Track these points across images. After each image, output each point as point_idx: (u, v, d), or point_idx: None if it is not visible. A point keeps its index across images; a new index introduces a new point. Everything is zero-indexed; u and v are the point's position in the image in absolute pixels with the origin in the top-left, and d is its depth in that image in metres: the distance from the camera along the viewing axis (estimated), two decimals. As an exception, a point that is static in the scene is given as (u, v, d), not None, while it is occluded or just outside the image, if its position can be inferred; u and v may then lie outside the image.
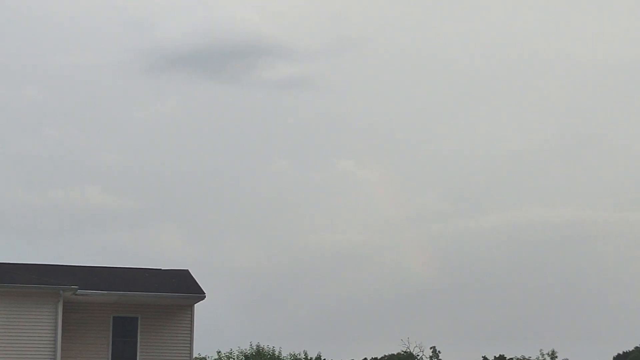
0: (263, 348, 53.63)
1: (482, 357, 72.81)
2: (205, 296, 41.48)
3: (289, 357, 55.54)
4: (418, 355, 54.67)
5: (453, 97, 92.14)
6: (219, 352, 55.75)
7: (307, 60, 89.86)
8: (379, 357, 71.07)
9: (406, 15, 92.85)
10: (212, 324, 53.08)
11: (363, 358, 72.93)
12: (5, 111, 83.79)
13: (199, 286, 42.27)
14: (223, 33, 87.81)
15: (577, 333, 74.32)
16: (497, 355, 72.45)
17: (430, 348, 55.69)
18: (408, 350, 54.41)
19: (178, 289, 41.94)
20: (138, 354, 41.31)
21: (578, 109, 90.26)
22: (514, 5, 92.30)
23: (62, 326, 38.48)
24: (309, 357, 58.24)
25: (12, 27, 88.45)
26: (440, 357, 59.14)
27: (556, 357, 65.17)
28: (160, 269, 44.42)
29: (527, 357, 67.65)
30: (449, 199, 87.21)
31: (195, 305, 41.93)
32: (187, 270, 44.39)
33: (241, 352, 54.20)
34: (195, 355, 42.28)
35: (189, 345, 41.69)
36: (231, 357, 54.80)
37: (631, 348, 62.41)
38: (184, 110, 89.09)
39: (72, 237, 77.15)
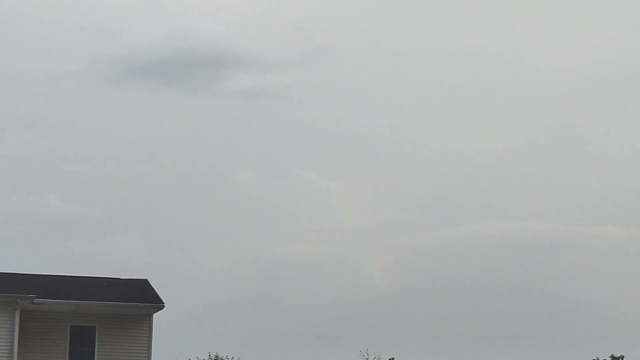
0: (222, 358, 53.51)
1: (442, 369, 72.95)
2: (164, 306, 41.33)
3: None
4: (376, 367, 54.73)
5: (418, 109, 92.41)
6: (177, 361, 55.50)
7: (270, 71, 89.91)
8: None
9: (371, 27, 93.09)
10: (171, 334, 52.86)
11: (323, 369, 72.90)
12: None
13: (158, 296, 42.13)
14: (187, 43, 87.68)
15: (541, 343, 74.74)
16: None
17: (390, 359, 55.76)
18: (367, 361, 54.43)
19: (137, 299, 41.77)
20: (96, 363, 41.15)
21: (542, 123, 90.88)
22: (482, 18, 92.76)
23: (19, 335, 38.22)
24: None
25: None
26: (399, 369, 59.27)
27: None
28: (119, 279, 44.26)
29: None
30: (413, 211, 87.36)
31: (154, 315, 41.79)
32: (146, 280, 44.24)
33: (199, 362, 54.05)
34: (153, 365, 42.12)
35: (147, 355, 41.51)
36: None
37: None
38: (146, 120, 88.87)
39: (30, 245, 76.59)
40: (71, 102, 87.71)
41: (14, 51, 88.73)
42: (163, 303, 41.36)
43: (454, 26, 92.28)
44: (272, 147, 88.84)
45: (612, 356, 62.85)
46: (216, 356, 53.67)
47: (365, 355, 54.28)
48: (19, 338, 38.24)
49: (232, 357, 53.97)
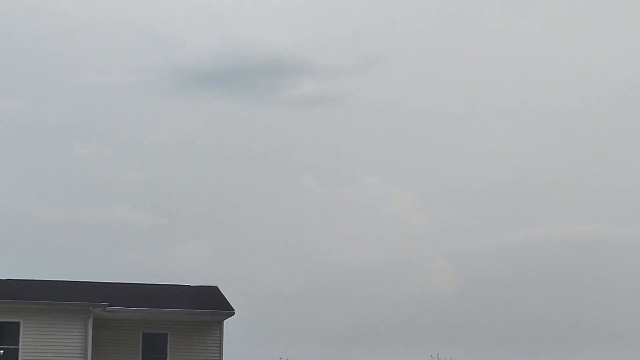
0: (292, 364, 53.55)
1: (510, 373, 72.48)
2: (234, 312, 41.55)
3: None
4: (447, 372, 54.36)
5: (476, 113, 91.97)
6: (247, 368, 55.64)
7: (332, 77, 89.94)
8: (407, 373, 70.77)
9: (430, 33, 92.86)
10: (241, 339, 53.01)
11: (391, 374, 72.80)
12: (34, 129, 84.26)
13: (228, 302, 42.36)
14: (248, 51, 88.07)
15: (608, 346, 73.94)
16: (525, 371, 72.06)
17: (460, 364, 55.36)
18: (438, 366, 54.08)
19: (207, 305, 42.06)
20: (167, 370, 41.48)
21: (599, 124, 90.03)
22: (536, 22, 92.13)
23: (92, 342, 38.66)
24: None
25: (39, 45, 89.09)
26: (468, 373, 58.92)
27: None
28: (189, 285, 44.56)
29: (555, 373, 67.24)
30: (475, 216, 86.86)
31: (224, 321, 42.04)
32: (216, 287, 44.49)
33: (269, 369, 54.14)
34: (224, 371, 42.38)
35: (218, 360, 41.85)
36: (259, 374, 54.75)
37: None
38: (210, 128, 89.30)
39: (101, 254, 77.34)
40: (135, 111, 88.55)
41: (77, 62, 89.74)
42: (233, 309, 41.58)
43: (513, 31, 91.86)
44: (336, 153, 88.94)
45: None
46: (287, 361, 53.73)
47: (436, 359, 53.94)
48: (92, 346, 38.68)
49: (302, 362, 54.01)
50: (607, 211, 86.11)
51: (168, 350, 41.43)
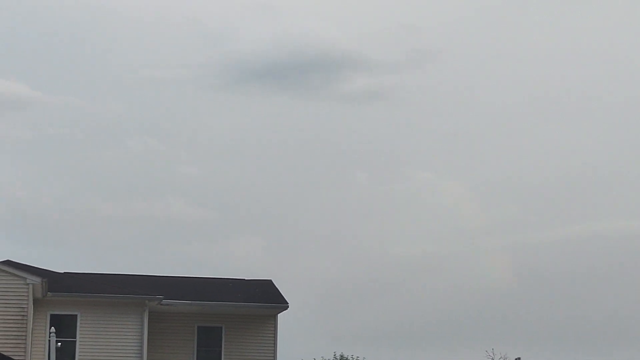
0: (347, 358, 53.64)
1: (567, 368, 71.90)
2: (288, 306, 41.66)
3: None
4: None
5: (532, 107, 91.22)
6: (303, 361, 55.70)
7: (384, 72, 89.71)
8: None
9: (483, 26, 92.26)
10: (295, 333, 53.20)
11: (446, 369, 72.54)
12: (88, 124, 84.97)
13: (282, 296, 42.48)
14: (299, 46, 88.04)
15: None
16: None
17: (516, 359, 55.04)
18: (493, 360, 53.71)
19: (261, 299, 42.24)
20: (222, 363, 41.72)
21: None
22: (596, 15, 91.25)
23: (148, 335, 39.01)
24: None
25: (95, 41, 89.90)
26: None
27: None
28: (244, 279, 44.73)
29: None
30: (530, 209, 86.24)
31: (278, 315, 42.16)
32: (270, 281, 44.63)
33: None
34: (278, 364, 42.52)
35: (272, 354, 41.92)
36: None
37: None
38: (262, 123, 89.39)
39: (156, 248, 77.96)
40: (189, 107, 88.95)
41: (133, 58, 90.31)
42: (287, 303, 41.70)
43: (572, 23, 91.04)
44: (388, 148, 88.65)
45: None
46: (341, 356, 53.80)
47: (491, 355, 53.65)
48: (148, 338, 39.01)
49: (357, 357, 54.03)
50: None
51: (223, 344, 41.64)
